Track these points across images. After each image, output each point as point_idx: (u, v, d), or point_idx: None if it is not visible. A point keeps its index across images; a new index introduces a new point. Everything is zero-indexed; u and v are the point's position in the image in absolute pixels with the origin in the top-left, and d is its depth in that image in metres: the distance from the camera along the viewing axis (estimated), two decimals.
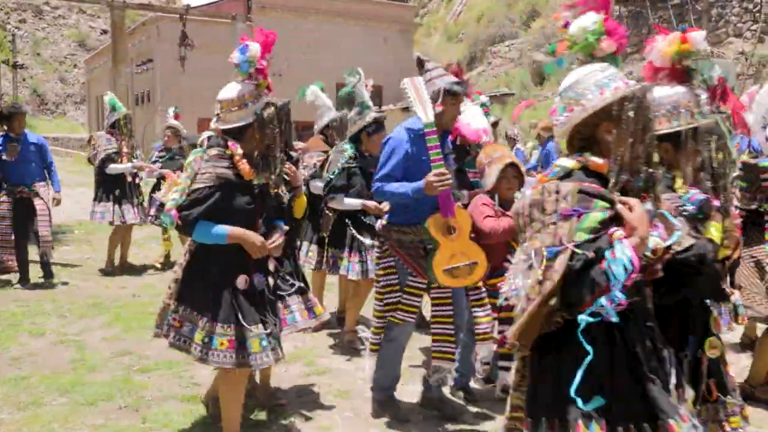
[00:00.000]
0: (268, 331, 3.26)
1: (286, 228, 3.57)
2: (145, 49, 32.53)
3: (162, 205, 8.19)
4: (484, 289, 3.93)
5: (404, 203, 3.73)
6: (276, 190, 3.48)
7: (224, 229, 3.18)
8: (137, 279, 7.77)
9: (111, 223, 7.96)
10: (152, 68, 30.95)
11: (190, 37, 23.06)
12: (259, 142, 3.24)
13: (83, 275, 7.98)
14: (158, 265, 8.51)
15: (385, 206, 4.64)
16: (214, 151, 3.28)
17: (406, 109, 23.05)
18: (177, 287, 3.36)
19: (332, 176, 5.11)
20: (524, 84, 26.06)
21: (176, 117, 8.88)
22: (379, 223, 3.98)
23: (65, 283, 7.50)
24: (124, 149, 7.92)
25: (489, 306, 3.89)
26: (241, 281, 3.22)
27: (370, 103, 5.28)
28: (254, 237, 3.22)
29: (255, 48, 3.29)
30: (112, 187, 7.88)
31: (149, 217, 8.40)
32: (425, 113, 3.60)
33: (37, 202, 7.27)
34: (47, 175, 7.56)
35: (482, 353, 4.02)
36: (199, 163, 3.27)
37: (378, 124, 5.13)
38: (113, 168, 7.79)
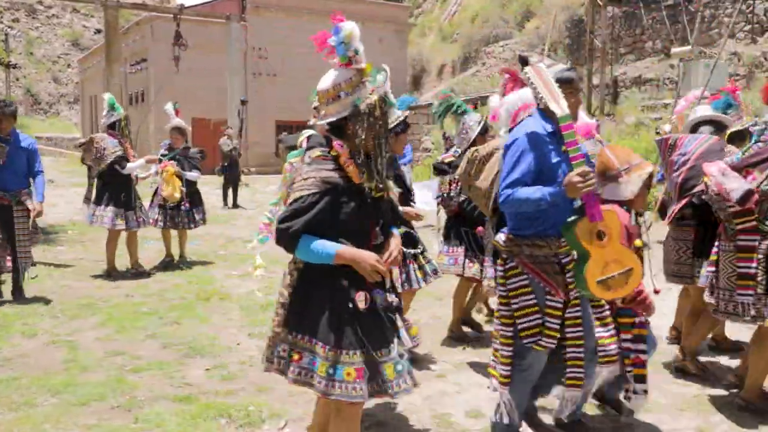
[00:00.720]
0: (400, 353, 2.83)
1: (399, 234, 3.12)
2: (139, 49, 32.45)
3: (161, 206, 8.23)
4: (607, 306, 3.59)
5: (533, 212, 3.29)
6: (389, 194, 3.00)
7: (332, 248, 2.72)
8: (130, 279, 7.74)
9: (112, 228, 7.77)
10: (146, 68, 30.87)
11: (184, 37, 23.08)
12: (362, 139, 2.77)
13: (76, 276, 7.96)
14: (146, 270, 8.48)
15: (421, 211, 4.59)
16: (316, 153, 2.82)
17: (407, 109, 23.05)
18: (285, 312, 2.89)
19: None
20: None
21: (177, 113, 8.74)
22: (501, 237, 3.49)
23: (58, 284, 7.50)
24: (129, 150, 7.86)
25: (613, 326, 3.58)
26: (361, 299, 2.76)
27: (395, 102, 5.17)
28: (367, 258, 2.75)
29: (350, 27, 2.87)
30: (118, 190, 7.75)
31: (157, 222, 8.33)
32: (559, 105, 3.21)
33: (17, 212, 6.54)
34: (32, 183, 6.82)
35: (604, 376, 3.60)
36: (299, 167, 2.86)
37: (405, 124, 4.89)
38: (131, 167, 7.72)
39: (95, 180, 7.91)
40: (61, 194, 20.30)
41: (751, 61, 18.11)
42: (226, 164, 15.95)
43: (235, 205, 15.86)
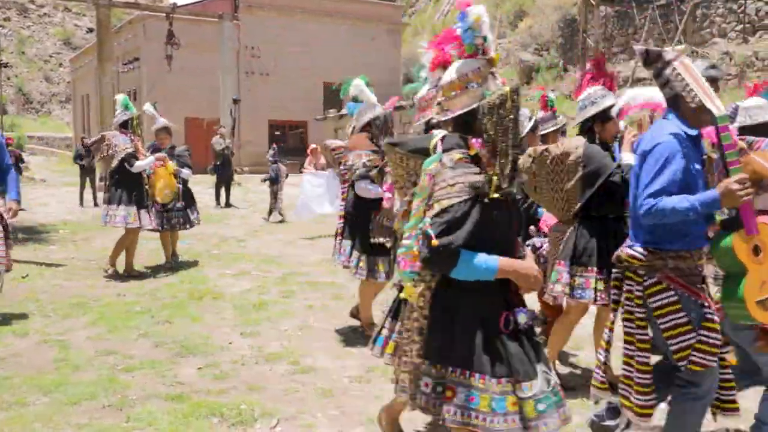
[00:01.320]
0: (549, 386, 2.48)
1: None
2: (131, 48, 32.34)
3: (163, 206, 8.12)
4: None
5: (677, 224, 2.96)
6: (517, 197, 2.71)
7: (493, 262, 2.42)
8: (122, 279, 7.71)
9: (124, 226, 7.65)
10: (138, 67, 30.78)
11: (176, 36, 23.00)
12: (489, 135, 2.45)
13: (67, 275, 7.93)
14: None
15: None
16: (457, 155, 2.47)
17: (398, 109, 23.00)
18: (424, 341, 2.51)
19: None
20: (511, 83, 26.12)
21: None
22: (638, 251, 3.07)
23: (49, 283, 7.47)
24: (140, 149, 7.82)
25: None
26: (505, 321, 2.46)
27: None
28: (530, 268, 2.50)
29: (477, 11, 2.54)
30: (131, 188, 7.65)
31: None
32: (715, 104, 2.91)
33: None
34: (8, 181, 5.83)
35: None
36: (440, 171, 2.47)
37: (535, 122, 4.63)
38: (139, 165, 7.64)
39: (107, 179, 7.85)
40: (52, 194, 20.24)
41: (742, 61, 18.18)
42: (218, 163, 15.93)
43: (228, 205, 15.82)
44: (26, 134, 41.34)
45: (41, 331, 5.58)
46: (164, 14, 23.41)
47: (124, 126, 7.77)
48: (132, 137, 7.71)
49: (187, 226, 8.42)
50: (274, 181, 13.67)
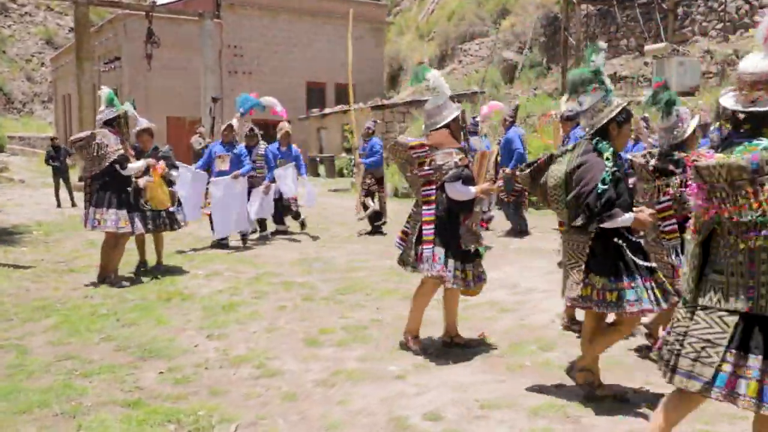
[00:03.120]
0: None
1: None
2: (113, 47, 32.03)
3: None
4: None
5: None
6: None
7: None
8: (92, 280, 7.53)
9: (115, 231, 7.19)
10: (120, 66, 30.47)
11: (156, 35, 22.74)
12: None
13: (35, 277, 7.75)
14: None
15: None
16: None
17: (379, 108, 22.73)
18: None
19: (604, 185, 3.78)
20: (494, 82, 26.08)
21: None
22: None
23: (15, 286, 7.29)
24: (129, 150, 7.49)
25: None
26: None
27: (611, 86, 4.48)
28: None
29: None
30: (120, 190, 7.25)
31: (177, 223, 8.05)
32: None
33: None
34: None
35: None
36: None
37: (628, 113, 4.06)
38: (132, 167, 7.31)
39: (90, 180, 7.27)
40: (30, 194, 19.95)
41: (723, 59, 18.20)
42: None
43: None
44: (6, 134, 40.80)
45: None
46: (144, 13, 23.15)
47: (111, 124, 7.33)
48: (121, 137, 7.34)
49: (175, 227, 8.13)
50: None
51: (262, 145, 10.71)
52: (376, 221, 11.00)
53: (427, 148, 4.81)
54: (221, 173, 9.60)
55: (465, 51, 31.09)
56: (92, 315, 6.00)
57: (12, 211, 15.14)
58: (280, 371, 4.62)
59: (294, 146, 11.34)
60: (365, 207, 10.93)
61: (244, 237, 10.07)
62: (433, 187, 4.81)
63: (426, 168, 4.81)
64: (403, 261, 5.16)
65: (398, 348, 5.15)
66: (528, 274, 8.00)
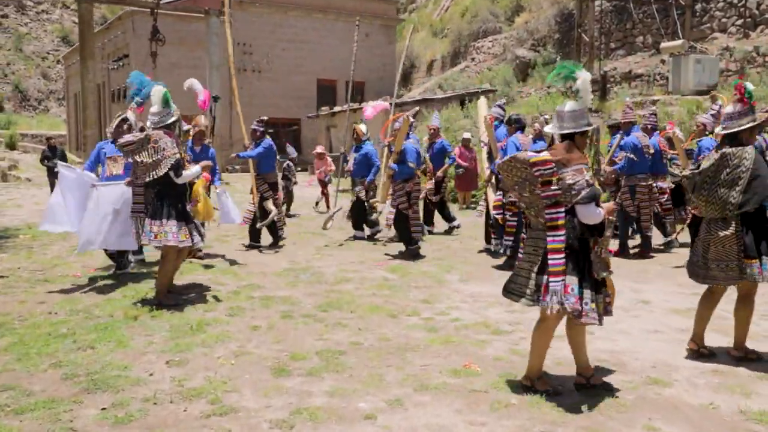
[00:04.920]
0: None
1: None
2: (121, 45, 31.84)
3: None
4: None
5: None
6: None
7: None
8: (60, 292, 7.11)
9: (177, 245, 6.49)
10: (128, 64, 30.22)
11: (161, 33, 22.40)
12: None
13: (5, 288, 7.33)
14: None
15: None
16: None
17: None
18: None
19: None
20: (507, 80, 25.48)
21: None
22: None
23: None
24: (186, 155, 6.83)
25: None
26: None
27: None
28: None
29: None
30: (177, 200, 6.57)
31: None
32: None
33: None
34: None
35: None
36: None
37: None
38: (187, 175, 6.60)
39: (143, 190, 6.54)
40: (33, 194, 19.71)
41: (742, 56, 17.49)
42: None
43: None
44: (18, 132, 40.75)
45: None
46: (149, 10, 22.81)
47: (169, 127, 6.56)
48: (176, 140, 6.58)
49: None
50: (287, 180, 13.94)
51: None
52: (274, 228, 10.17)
53: (552, 165, 4.13)
54: (113, 178, 7.72)
55: (478, 48, 30.49)
56: (49, 335, 5.55)
57: (9, 212, 14.85)
58: (235, 408, 4.13)
59: (211, 146, 9.73)
60: (265, 214, 9.91)
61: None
62: (561, 209, 4.15)
63: (553, 188, 4.14)
64: (512, 292, 4.42)
65: (373, 378, 4.65)
66: None
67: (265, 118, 10.65)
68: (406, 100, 25.00)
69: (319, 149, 16.13)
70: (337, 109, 27.38)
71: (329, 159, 15.96)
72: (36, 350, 5.16)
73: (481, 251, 10.02)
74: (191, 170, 6.72)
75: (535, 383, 4.40)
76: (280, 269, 8.41)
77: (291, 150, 16.71)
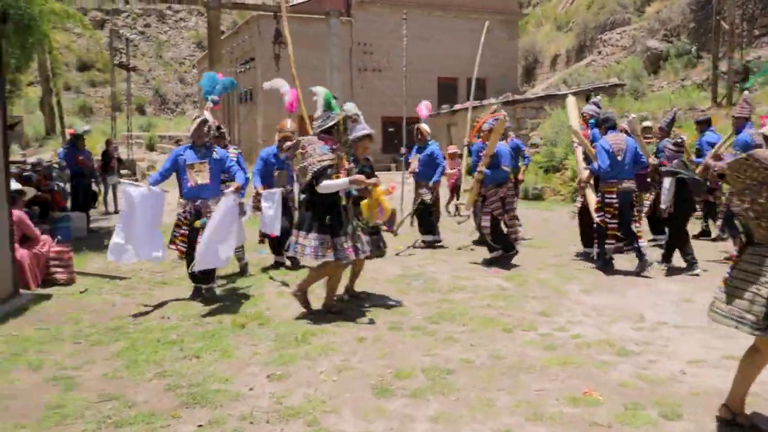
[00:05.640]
0: None
1: None
2: (248, 48, 32.90)
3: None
4: None
5: None
6: None
7: None
8: (176, 296, 7.19)
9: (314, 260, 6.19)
10: (254, 67, 31.20)
11: (283, 35, 22.84)
12: None
13: (126, 290, 7.56)
14: None
15: None
16: None
17: (510, 103, 21.67)
18: None
19: None
20: (636, 73, 24.10)
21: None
22: None
23: (102, 299, 7.08)
24: (344, 163, 6.21)
25: None
26: None
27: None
28: None
29: None
30: (325, 211, 6.08)
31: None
32: None
33: None
34: None
35: None
36: None
37: None
38: (326, 186, 5.96)
39: (300, 195, 6.38)
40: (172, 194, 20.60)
41: None
42: None
43: None
44: (157, 134, 43.11)
45: (58, 364, 5.08)
46: (272, 14, 23.33)
47: (329, 132, 6.20)
48: (334, 146, 6.14)
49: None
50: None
51: (233, 150, 8.52)
52: None
53: None
54: (198, 189, 6.87)
55: (605, 41, 29.12)
56: (158, 341, 5.57)
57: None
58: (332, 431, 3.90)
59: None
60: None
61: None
62: None
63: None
64: (728, 316, 3.76)
65: (482, 403, 4.29)
66: (658, 302, 6.86)
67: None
68: (529, 96, 24.22)
69: (452, 149, 15.67)
70: (457, 107, 26.96)
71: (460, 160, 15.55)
72: (144, 357, 5.18)
73: (579, 255, 9.51)
74: (335, 181, 6.02)
75: (738, 417, 3.88)
76: (393, 276, 8.17)
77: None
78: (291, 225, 8.08)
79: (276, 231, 7.91)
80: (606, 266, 8.37)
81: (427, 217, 10.35)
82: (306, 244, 6.02)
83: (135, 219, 6.62)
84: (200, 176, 6.83)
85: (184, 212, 6.94)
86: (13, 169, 12.87)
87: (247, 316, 6.26)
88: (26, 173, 12.59)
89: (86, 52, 51.50)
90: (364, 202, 6.55)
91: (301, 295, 6.49)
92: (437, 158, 10.29)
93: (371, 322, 6.09)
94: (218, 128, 7.72)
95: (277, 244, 8.47)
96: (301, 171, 6.09)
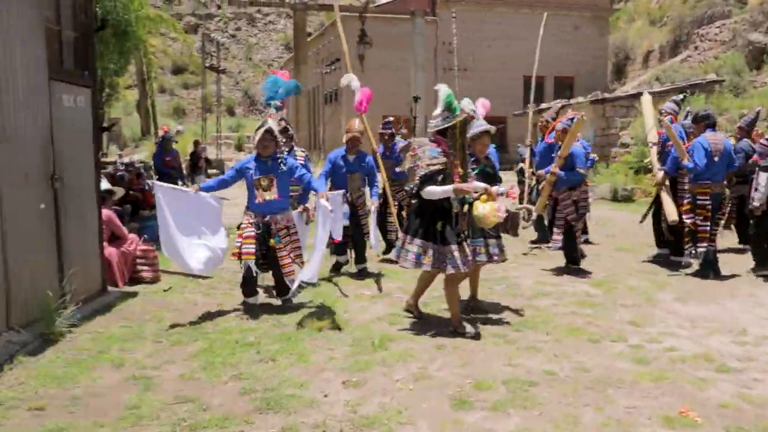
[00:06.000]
0: None
1: None
2: (333, 49, 33.21)
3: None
4: None
5: None
6: None
7: None
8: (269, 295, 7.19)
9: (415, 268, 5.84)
10: (339, 68, 31.44)
11: (369, 36, 22.94)
12: None
13: (208, 290, 7.64)
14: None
15: None
16: None
17: (599, 102, 21.04)
18: None
19: None
20: (737, 69, 22.84)
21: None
22: None
23: (184, 298, 7.17)
24: (458, 169, 5.67)
25: None
26: None
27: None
28: None
29: None
30: (431, 218, 5.66)
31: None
32: None
33: None
34: None
35: None
36: None
37: None
38: (430, 192, 5.53)
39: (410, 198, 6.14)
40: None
41: None
42: None
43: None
44: (245, 135, 44.19)
45: (139, 363, 5.13)
46: (357, 14, 23.47)
47: (443, 134, 5.69)
48: (446, 150, 5.63)
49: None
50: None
51: (299, 152, 7.95)
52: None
53: None
54: (266, 205, 6.55)
55: (702, 36, 27.79)
56: (236, 343, 5.56)
57: (227, 211, 15.80)
58: None
59: (369, 154, 8.38)
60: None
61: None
62: None
63: None
64: None
65: (567, 419, 4.04)
66: (762, 313, 6.39)
67: (392, 118, 9.82)
68: (619, 95, 23.38)
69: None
70: (543, 105, 26.32)
71: None
72: (221, 359, 5.16)
73: (656, 257, 9.12)
74: (439, 188, 5.53)
75: None
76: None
77: (522, 150, 16.10)
78: (358, 229, 8.01)
79: (338, 235, 6.96)
80: (707, 270, 7.92)
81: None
82: (409, 250, 5.73)
83: (168, 223, 6.38)
84: (268, 193, 6.49)
85: (249, 224, 6.57)
86: (109, 169, 13.36)
87: (324, 320, 6.18)
88: (119, 173, 13.00)
89: (180, 55, 53.42)
90: (483, 204, 5.88)
91: (414, 307, 6.31)
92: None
93: (460, 332, 5.79)
94: (285, 130, 7.25)
95: (340, 246, 8.13)
96: (410, 173, 5.77)
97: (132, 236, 8.15)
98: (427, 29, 26.68)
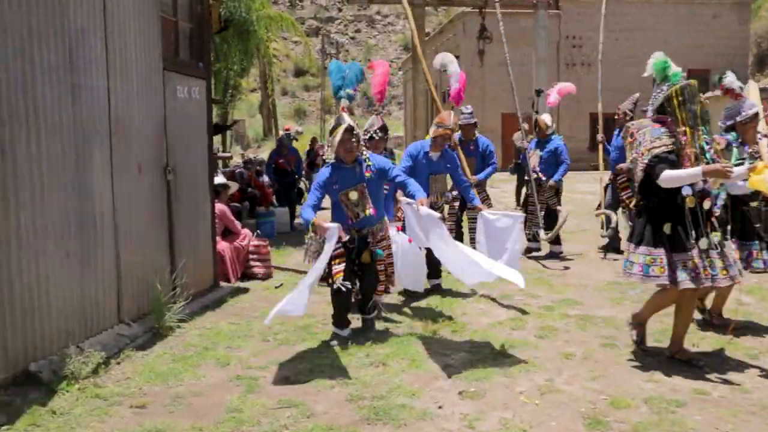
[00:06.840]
0: None
1: None
2: (452, 46, 32.73)
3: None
4: None
5: None
6: None
7: None
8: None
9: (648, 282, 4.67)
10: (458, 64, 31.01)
11: (489, 31, 22.26)
12: None
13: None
14: None
15: None
16: None
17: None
18: None
19: None
20: None
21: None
22: None
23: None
24: (688, 150, 4.41)
25: None
26: None
27: None
28: None
29: None
30: (659, 218, 4.56)
31: None
32: None
33: None
34: None
35: None
36: None
37: None
38: (669, 177, 4.35)
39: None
40: None
41: None
42: (518, 161, 14.72)
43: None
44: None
45: (244, 361, 4.90)
46: (477, 9, 22.86)
47: (663, 111, 4.57)
48: (672, 128, 4.49)
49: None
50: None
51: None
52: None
53: None
54: (358, 223, 5.45)
55: None
56: (347, 344, 5.22)
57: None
58: None
59: (456, 152, 7.27)
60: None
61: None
62: None
63: None
64: None
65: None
66: None
67: (470, 107, 8.80)
68: (763, 86, 21.51)
69: None
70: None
71: None
72: (329, 361, 4.84)
73: None
74: (683, 171, 4.37)
75: None
76: (603, 282, 7.26)
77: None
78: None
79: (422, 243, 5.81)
80: None
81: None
82: (634, 261, 4.61)
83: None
84: (360, 207, 5.33)
85: (340, 242, 5.27)
86: (229, 167, 13.53)
87: (439, 322, 5.74)
88: (238, 170, 13.13)
89: (301, 58, 54.67)
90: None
91: (637, 326, 5.06)
92: (561, 154, 8.99)
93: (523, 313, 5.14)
94: (382, 128, 6.36)
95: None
96: (633, 165, 4.67)
97: (245, 231, 8.04)
98: (550, 23, 25.70)
